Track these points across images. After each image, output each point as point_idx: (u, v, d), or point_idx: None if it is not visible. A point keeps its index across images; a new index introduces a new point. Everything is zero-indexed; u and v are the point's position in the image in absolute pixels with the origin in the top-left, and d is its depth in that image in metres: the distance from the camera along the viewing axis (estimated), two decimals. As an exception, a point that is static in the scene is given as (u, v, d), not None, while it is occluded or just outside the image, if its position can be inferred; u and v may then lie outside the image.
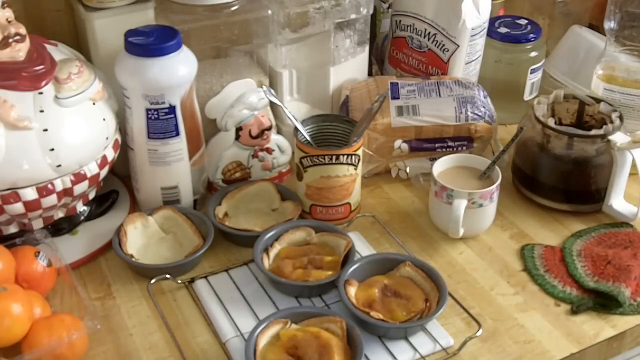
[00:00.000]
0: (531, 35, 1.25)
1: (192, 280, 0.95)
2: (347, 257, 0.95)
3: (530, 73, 1.26)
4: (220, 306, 0.92)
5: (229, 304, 0.92)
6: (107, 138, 0.97)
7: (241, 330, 0.88)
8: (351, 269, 0.92)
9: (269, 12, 1.08)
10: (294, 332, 0.84)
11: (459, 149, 1.13)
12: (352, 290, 0.90)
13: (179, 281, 0.95)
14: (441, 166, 1.05)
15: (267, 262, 0.95)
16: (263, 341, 0.83)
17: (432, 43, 1.19)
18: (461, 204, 0.98)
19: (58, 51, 0.97)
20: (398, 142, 1.13)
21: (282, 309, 0.90)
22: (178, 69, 0.96)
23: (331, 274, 0.92)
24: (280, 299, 0.93)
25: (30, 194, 0.91)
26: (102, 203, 1.05)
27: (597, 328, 0.91)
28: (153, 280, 0.93)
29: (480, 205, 1.00)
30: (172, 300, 0.94)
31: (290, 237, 0.98)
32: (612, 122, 1.06)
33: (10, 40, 0.90)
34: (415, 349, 0.86)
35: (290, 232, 0.98)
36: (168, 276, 0.94)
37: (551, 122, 1.06)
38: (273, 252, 0.97)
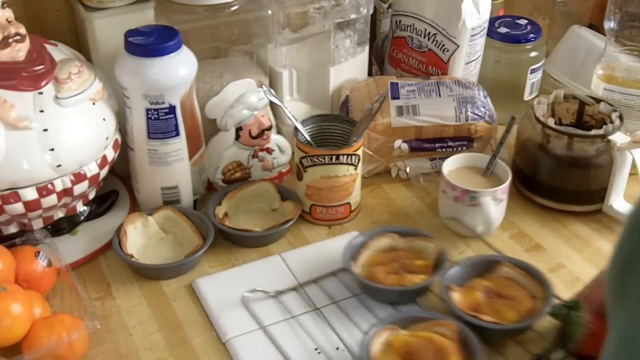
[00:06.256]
0: (531, 35, 1.25)
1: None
2: (438, 261, 0.93)
3: (530, 73, 1.26)
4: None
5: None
6: (107, 138, 0.97)
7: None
8: (450, 273, 0.90)
9: (269, 12, 1.08)
10: (406, 338, 0.82)
11: (459, 149, 1.13)
12: (455, 296, 0.88)
13: (271, 294, 0.92)
14: (448, 170, 1.04)
15: (356, 270, 0.93)
16: (375, 349, 0.81)
17: (432, 43, 1.19)
18: (489, 203, 0.98)
19: (58, 51, 0.97)
20: (398, 142, 1.13)
21: (386, 315, 0.88)
22: (178, 69, 0.96)
23: (425, 278, 0.91)
24: (373, 306, 0.91)
25: (30, 194, 0.91)
26: (102, 203, 1.05)
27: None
28: (247, 293, 0.92)
29: (501, 201, 1.01)
30: (173, 301, 0.94)
31: (376, 244, 0.96)
32: (612, 122, 1.06)
33: (10, 40, 0.90)
34: (523, 347, 0.85)
35: (375, 239, 0.97)
36: (259, 289, 0.92)
37: (551, 122, 1.06)
38: (361, 260, 0.95)
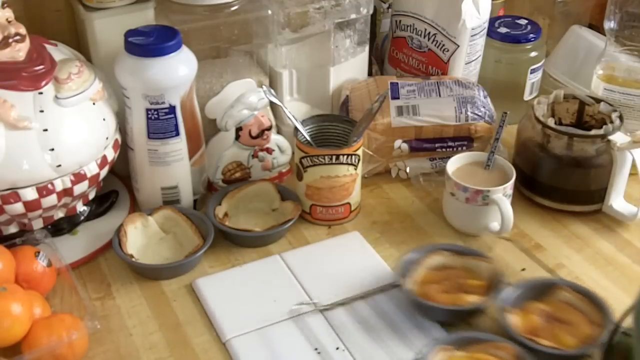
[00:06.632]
0: (531, 35, 1.25)
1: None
2: (493, 282, 0.91)
3: (530, 73, 1.26)
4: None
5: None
6: (107, 138, 0.97)
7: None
8: (507, 295, 0.88)
9: (269, 12, 1.08)
10: None
11: (459, 149, 1.13)
12: (512, 318, 0.86)
13: (319, 308, 0.90)
14: (452, 171, 1.04)
15: (409, 287, 0.91)
16: None
17: (432, 43, 1.19)
18: (503, 200, 0.98)
19: (58, 51, 0.97)
20: (398, 142, 1.13)
21: (442, 335, 0.87)
22: (178, 69, 0.96)
23: (481, 298, 0.89)
24: (423, 324, 0.89)
25: (30, 194, 0.91)
26: (102, 203, 1.05)
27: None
28: (294, 306, 0.90)
29: (510, 196, 1.01)
30: (173, 301, 0.94)
31: (428, 261, 0.94)
32: (612, 122, 1.06)
33: (10, 40, 0.90)
34: None
35: (428, 257, 0.94)
36: (306, 302, 0.91)
37: (551, 122, 1.06)
38: (414, 277, 0.93)
